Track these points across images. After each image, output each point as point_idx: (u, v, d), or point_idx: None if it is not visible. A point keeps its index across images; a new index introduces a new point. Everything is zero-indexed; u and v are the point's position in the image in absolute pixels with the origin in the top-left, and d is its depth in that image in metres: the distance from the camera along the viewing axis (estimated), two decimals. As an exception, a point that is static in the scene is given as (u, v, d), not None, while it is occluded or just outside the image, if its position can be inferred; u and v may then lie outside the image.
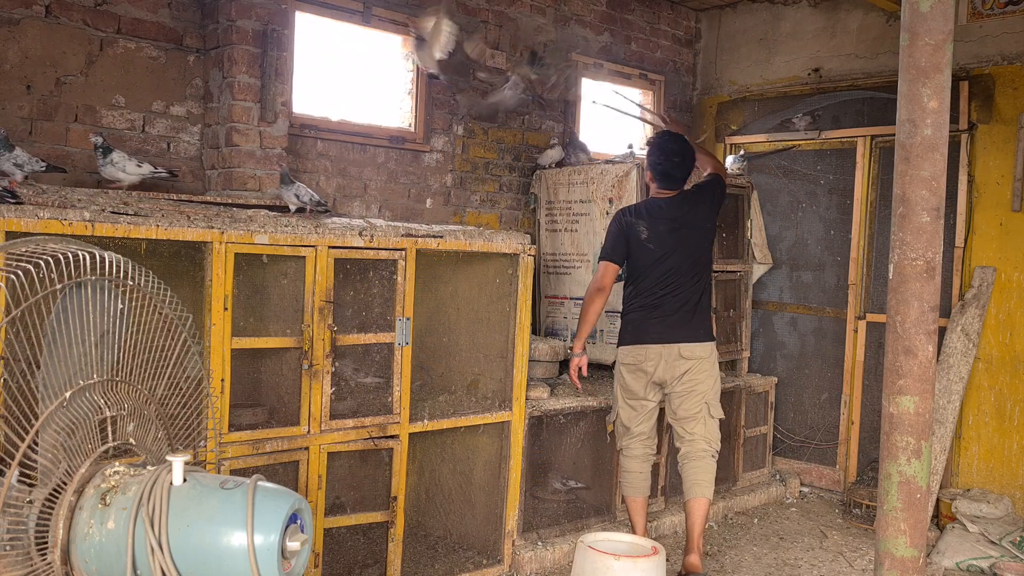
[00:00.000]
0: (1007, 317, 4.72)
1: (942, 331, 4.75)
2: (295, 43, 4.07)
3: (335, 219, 3.41)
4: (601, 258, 3.93)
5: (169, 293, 1.96)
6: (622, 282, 4.02)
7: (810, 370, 5.55)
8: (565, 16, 5.38)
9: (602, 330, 4.70)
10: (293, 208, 3.63)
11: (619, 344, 3.96)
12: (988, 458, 4.79)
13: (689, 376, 3.85)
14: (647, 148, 4.08)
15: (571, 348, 4.00)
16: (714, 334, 4.05)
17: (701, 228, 3.94)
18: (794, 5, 5.74)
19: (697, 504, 3.80)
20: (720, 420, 3.94)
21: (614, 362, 4.03)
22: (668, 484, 4.56)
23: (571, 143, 5.21)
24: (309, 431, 3.12)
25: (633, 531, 3.92)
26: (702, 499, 3.80)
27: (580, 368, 3.91)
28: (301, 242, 3.04)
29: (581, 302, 4.84)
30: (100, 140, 3.38)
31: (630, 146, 5.28)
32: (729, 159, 5.64)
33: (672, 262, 3.84)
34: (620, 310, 4.04)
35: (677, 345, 3.83)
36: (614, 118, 5.81)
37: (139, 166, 3.42)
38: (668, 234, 3.85)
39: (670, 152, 3.92)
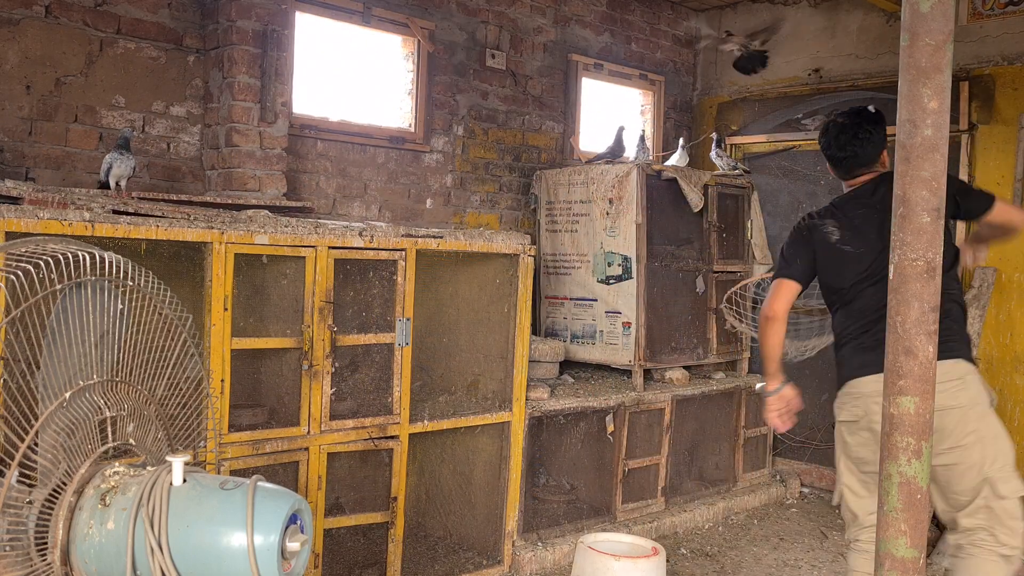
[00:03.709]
0: (1007, 317, 4.72)
1: (942, 331, 4.75)
2: (295, 43, 4.07)
3: (334, 220, 3.40)
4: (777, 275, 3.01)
5: (169, 293, 1.96)
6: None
7: (811, 370, 5.54)
8: (565, 16, 5.38)
9: (602, 331, 4.68)
10: (113, 183, 3.23)
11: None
12: (988, 458, 4.78)
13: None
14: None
15: (764, 387, 3.02)
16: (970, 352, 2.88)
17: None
18: (794, 5, 5.74)
19: None
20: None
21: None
22: (668, 484, 4.57)
23: (615, 143, 5.00)
24: (309, 431, 3.12)
25: None
26: None
27: (788, 403, 2.95)
28: (301, 242, 3.04)
29: (581, 303, 4.88)
30: None
31: (641, 136, 5.15)
32: (713, 154, 5.32)
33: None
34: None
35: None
36: (612, 117, 5.82)
37: None
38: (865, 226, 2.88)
39: (836, 130, 2.96)
